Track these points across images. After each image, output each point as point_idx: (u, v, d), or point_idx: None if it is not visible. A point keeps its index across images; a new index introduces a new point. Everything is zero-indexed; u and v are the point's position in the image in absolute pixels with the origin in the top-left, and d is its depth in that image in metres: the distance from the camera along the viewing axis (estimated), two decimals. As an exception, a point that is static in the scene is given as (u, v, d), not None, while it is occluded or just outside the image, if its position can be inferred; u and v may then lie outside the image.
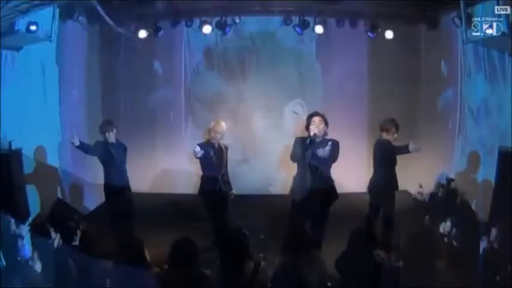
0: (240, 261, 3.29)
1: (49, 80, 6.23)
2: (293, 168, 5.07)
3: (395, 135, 5.40)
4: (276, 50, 7.99)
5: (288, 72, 8.03)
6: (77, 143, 5.21)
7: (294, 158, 4.86)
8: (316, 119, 4.77)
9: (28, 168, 5.42)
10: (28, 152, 5.51)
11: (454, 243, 4.41)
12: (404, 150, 5.34)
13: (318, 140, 4.74)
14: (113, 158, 5.37)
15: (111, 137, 5.36)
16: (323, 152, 4.63)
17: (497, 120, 5.61)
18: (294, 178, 4.96)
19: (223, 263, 3.34)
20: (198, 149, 5.09)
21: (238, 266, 3.27)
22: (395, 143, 5.46)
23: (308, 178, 4.74)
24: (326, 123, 4.81)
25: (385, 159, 5.34)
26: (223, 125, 5.39)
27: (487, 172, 5.56)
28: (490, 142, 5.75)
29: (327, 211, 4.85)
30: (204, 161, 5.33)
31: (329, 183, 4.84)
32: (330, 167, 4.83)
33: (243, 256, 3.34)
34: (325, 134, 4.82)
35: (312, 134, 4.69)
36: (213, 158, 5.31)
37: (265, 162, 8.10)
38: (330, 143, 4.68)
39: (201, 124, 7.65)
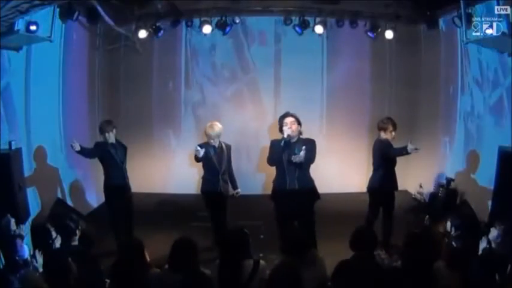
0: (240, 260, 3.30)
1: (50, 80, 6.23)
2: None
3: (393, 133, 5.39)
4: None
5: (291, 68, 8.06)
6: (78, 148, 5.17)
7: (269, 161, 4.79)
8: (288, 120, 4.67)
9: (28, 169, 5.42)
10: (28, 152, 5.52)
11: (454, 243, 4.41)
12: (403, 151, 5.28)
13: (292, 140, 4.68)
14: (112, 158, 5.36)
15: (111, 137, 5.36)
16: (298, 157, 4.56)
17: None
18: (273, 182, 4.90)
19: (224, 262, 3.35)
20: (198, 148, 5.09)
21: (238, 264, 3.28)
22: (395, 142, 5.46)
23: (286, 181, 4.71)
24: (299, 123, 4.71)
25: (384, 159, 5.33)
26: (216, 127, 5.29)
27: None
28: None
29: (311, 212, 4.80)
30: (204, 161, 5.32)
31: (308, 183, 4.79)
32: (308, 167, 4.77)
33: (243, 255, 3.35)
34: (300, 133, 4.75)
35: (285, 135, 4.62)
36: (212, 158, 5.30)
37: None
38: (304, 147, 4.57)
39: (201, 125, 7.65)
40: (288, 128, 4.64)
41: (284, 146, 4.63)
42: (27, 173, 5.34)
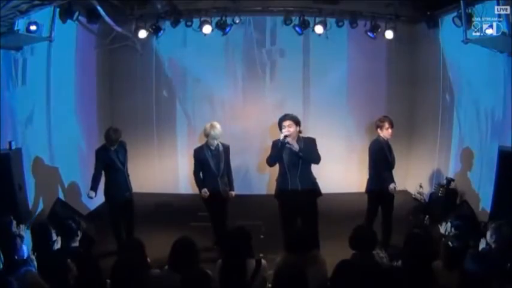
0: (242, 260, 3.31)
1: (52, 80, 6.23)
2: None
3: (390, 130, 5.39)
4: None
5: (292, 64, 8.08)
6: (93, 195, 5.26)
7: (269, 160, 4.90)
8: (286, 123, 4.76)
9: (29, 172, 5.42)
10: (29, 152, 5.52)
11: (454, 243, 4.41)
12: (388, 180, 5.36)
13: (291, 141, 4.77)
14: (113, 162, 5.32)
15: (115, 146, 5.33)
16: (294, 147, 4.73)
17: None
18: (277, 180, 4.98)
19: (226, 261, 3.36)
20: (205, 193, 5.21)
21: (241, 264, 3.29)
22: (394, 141, 5.46)
23: (289, 179, 4.81)
24: (297, 124, 4.79)
25: (380, 160, 5.32)
26: (217, 128, 5.25)
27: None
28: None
29: (314, 209, 4.89)
30: (203, 163, 5.30)
31: (310, 181, 4.88)
32: (309, 166, 4.87)
33: (245, 254, 3.36)
34: (300, 132, 4.84)
35: (282, 137, 4.74)
36: (210, 162, 5.26)
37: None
38: (302, 143, 4.76)
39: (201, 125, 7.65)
40: (286, 131, 4.75)
41: (281, 146, 4.74)
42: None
